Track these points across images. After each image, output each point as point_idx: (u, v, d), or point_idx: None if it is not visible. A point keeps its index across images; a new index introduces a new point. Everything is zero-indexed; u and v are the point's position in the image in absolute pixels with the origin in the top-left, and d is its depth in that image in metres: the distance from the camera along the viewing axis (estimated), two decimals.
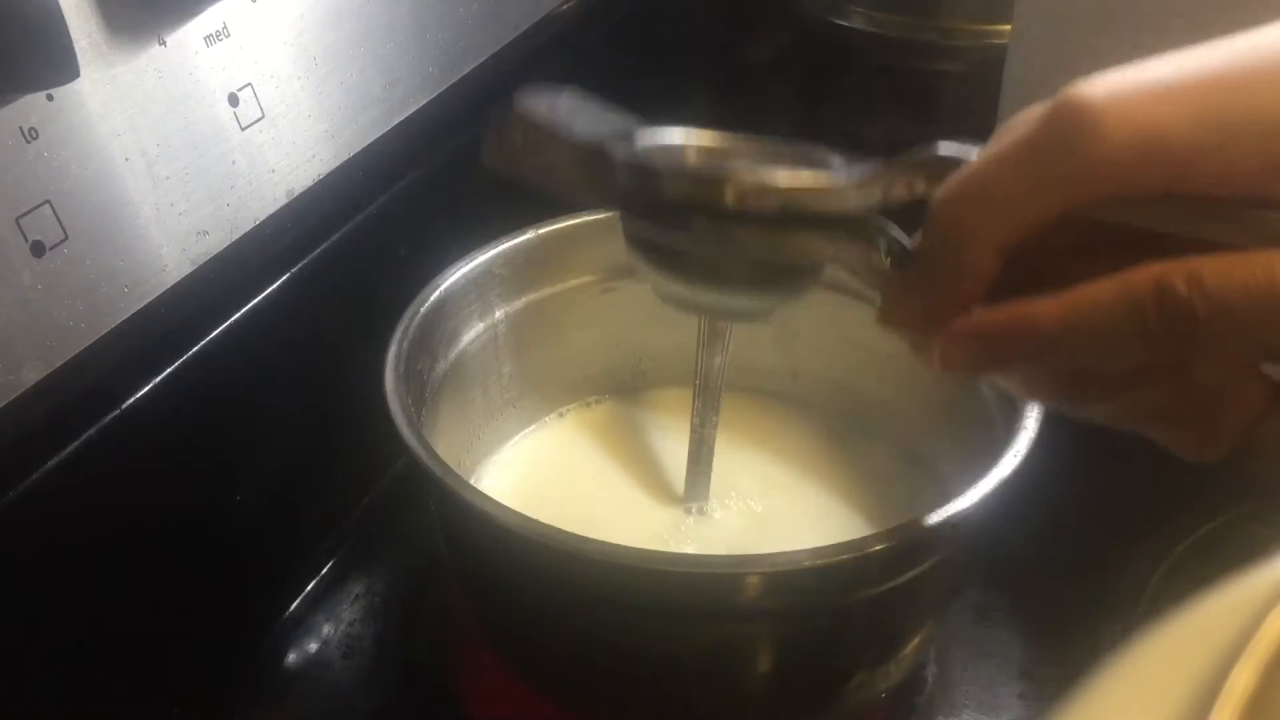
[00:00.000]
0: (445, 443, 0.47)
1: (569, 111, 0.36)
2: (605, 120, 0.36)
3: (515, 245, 0.50)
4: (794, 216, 0.31)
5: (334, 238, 0.51)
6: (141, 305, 0.41)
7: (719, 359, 0.47)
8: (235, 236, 0.45)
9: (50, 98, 0.36)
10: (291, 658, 0.50)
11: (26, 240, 0.36)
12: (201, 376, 0.44)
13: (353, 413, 0.46)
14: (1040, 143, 0.26)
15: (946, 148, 0.30)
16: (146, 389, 0.42)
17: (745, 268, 0.33)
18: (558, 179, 0.36)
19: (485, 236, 0.50)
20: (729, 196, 0.30)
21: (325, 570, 0.53)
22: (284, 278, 0.48)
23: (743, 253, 0.32)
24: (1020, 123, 0.27)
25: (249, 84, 0.44)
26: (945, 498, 0.37)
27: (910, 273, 0.30)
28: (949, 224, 0.28)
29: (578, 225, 0.52)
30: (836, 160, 0.32)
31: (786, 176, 0.31)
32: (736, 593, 0.37)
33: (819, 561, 0.35)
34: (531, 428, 0.55)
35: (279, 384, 0.49)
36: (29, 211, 0.36)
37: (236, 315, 0.46)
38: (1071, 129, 0.25)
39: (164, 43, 0.40)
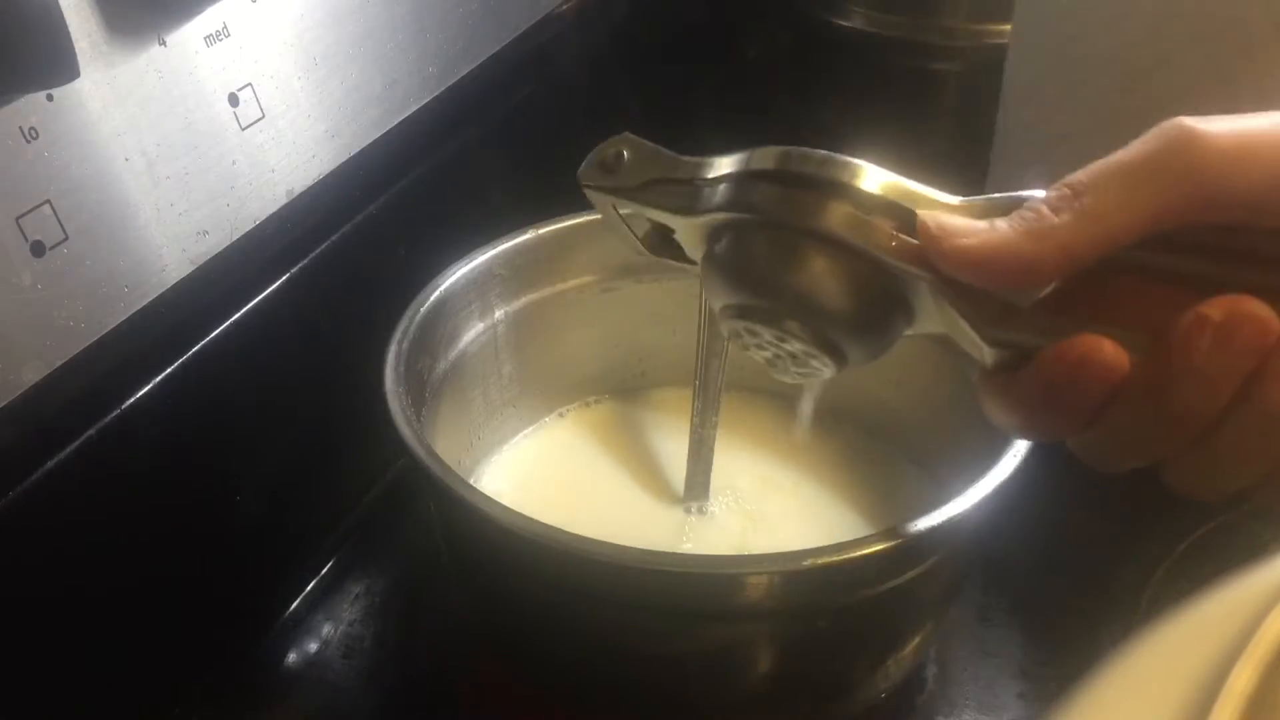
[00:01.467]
0: (445, 443, 0.47)
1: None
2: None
3: (515, 245, 0.50)
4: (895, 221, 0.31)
5: (334, 238, 0.51)
6: (141, 305, 0.41)
7: (719, 359, 0.47)
8: (235, 236, 0.45)
9: (50, 98, 0.36)
10: (291, 658, 0.50)
11: (26, 240, 0.36)
12: (201, 376, 0.44)
13: (353, 413, 0.46)
14: (1162, 156, 0.27)
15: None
16: (146, 389, 0.42)
17: (843, 280, 0.33)
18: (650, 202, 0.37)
19: (485, 236, 0.50)
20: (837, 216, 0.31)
21: (325, 570, 0.53)
22: (284, 278, 0.48)
23: (848, 244, 0.32)
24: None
25: (249, 84, 0.44)
26: (945, 498, 0.37)
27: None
28: (1060, 223, 0.28)
29: (578, 225, 0.52)
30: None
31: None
32: (736, 593, 0.37)
33: (819, 561, 0.35)
34: (531, 428, 0.55)
35: (279, 384, 0.49)
36: (29, 211, 0.36)
37: (236, 315, 0.46)
38: (1182, 140, 0.27)
39: (164, 43, 0.40)
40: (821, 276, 0.33)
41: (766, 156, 0.33)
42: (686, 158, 0.36)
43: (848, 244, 0.32)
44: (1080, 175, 0.29)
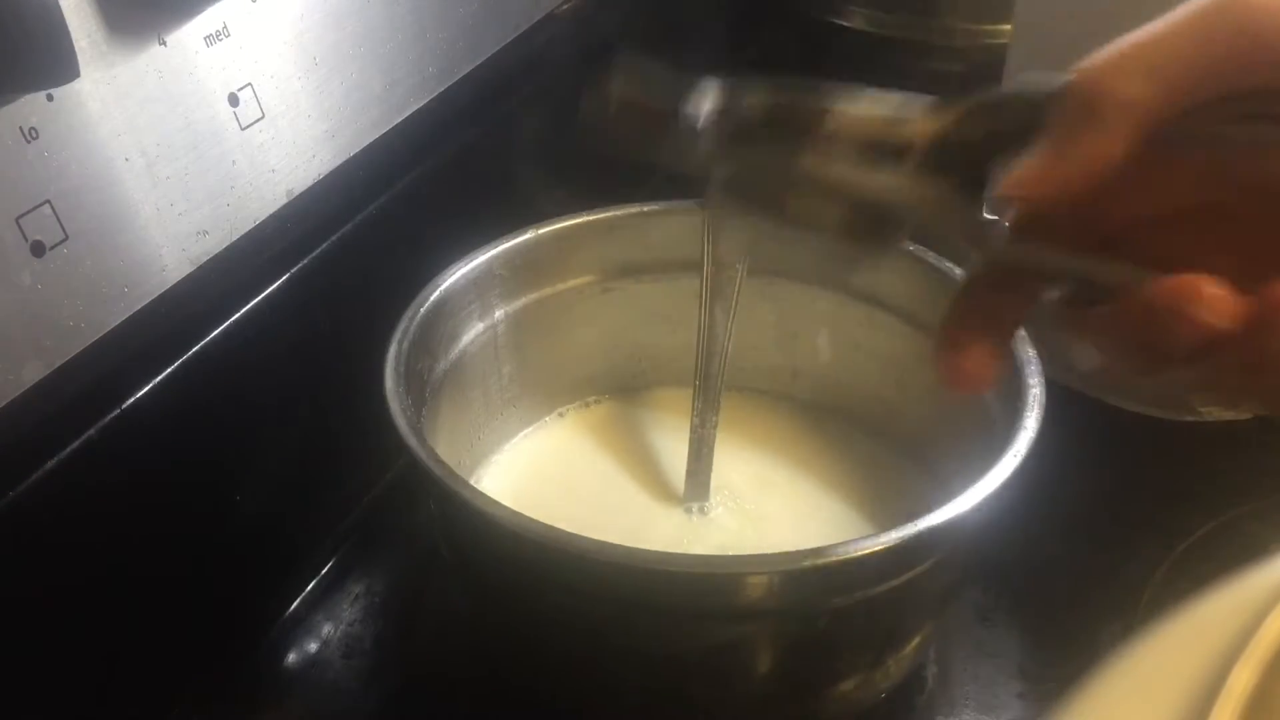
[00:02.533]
0: (445, 443, 0.47)
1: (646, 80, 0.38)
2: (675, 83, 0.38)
3: (515, 245, 0.50)
4: (879, 146, 0.33)
5: (334, 238, 0.51)
6: (141, 305, 0.41)
7: (719, 359, 0.47)
8: (235, 236, 0.45)
9: (50, 98, 0.36)
10: (291, 658, 0.50)
11: (26, 240, 0.36)
12: (201, 376, 0.44)
13: (353, 413, 0.46)
14: (1211, 14, 0.27)
15: (1028, 81, 0.30)
16: (146, 389, 0.42)
17: (836, 209, 0.34)
18: (647, 136, 0.37)
19: (485, 236, 0.50)
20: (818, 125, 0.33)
21: (325, 570, 0.53)
22: (284, 278, 0.48)
23: (833, 186, 0.34)
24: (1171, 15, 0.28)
25: (249, 84, 0.44)
26: (945, 498, 0.37)
27: (1036, 148, 0.30)
28: (1095, 86, 0.28)
29: (578, 225, 0.52)
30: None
31: (868, 106, 0.33)
32: (736, 593, 0.37)
33: (819, 561, 0.35)
34: (531, 428, 0.55)
35: (279, 384, 0.49)
36: (29, 211, 0.36)
37: (236, 315, 0.46)
38: (1242, 6, 0.27)
39: (164, 43, 0.40)
40: (816, 214, 0.35)
41: (755, 105, 0.35)
42: (679, 104, 0.36)
43: (839, 191, 0.34)
44: (1099, 59, 0.29)
